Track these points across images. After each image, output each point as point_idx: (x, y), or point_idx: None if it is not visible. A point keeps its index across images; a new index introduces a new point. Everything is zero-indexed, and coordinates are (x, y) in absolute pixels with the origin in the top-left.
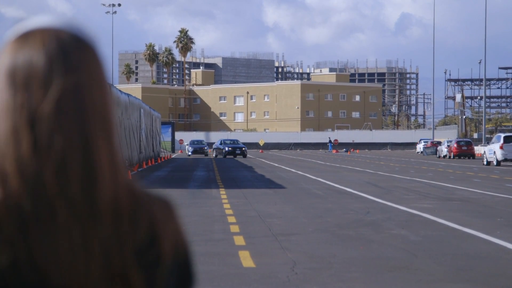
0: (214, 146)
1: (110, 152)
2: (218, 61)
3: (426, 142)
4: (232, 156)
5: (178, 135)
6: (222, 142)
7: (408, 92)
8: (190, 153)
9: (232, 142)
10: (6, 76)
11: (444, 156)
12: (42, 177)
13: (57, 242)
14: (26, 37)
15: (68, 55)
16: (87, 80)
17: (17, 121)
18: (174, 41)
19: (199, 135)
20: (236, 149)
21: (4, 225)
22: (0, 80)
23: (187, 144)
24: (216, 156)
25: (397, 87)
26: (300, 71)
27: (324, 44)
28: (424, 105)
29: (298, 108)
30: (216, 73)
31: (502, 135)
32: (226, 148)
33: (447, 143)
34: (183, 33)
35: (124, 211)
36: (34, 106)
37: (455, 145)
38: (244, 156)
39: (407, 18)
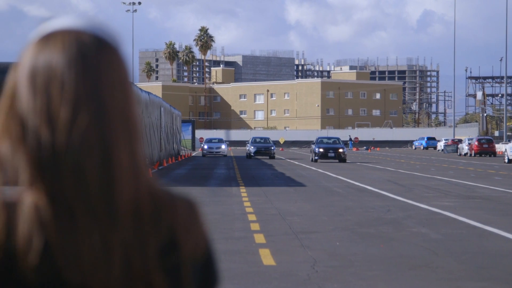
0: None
1: (131, 153)
2: (238, 59)
3: (447, 140)
4: (260, 157)
5: (199, 133)
6: (253, 139)
7: (428, 89)
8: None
9: (262, 140)
10: (27, 78)
11: (465, 154)
12: (61, 180)
13: (78, 244)
14: (47, 39)
15: (88, 58)
16: (107, 81)
17: (37, 123)
18: (194, 40)
19: (219, 133)
20: (261, 149)
21: (24, 228)
22: (22, 82)
23: (204, 143)
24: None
25: (417, 84)
26: (320, 69)
27: (345, 42)
28: (444, 103)
29: (318, 106)
30: (236, 71)
31: None
32: (251, 148)
33: (468, 141)
34: (203, 31)
35: (144, 212)
36: (53, 108)
37: (476, 143)
38: (270, 157)
39: (429, 15)
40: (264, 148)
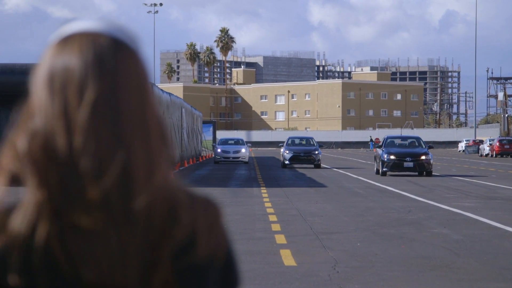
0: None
1: (149, 155)
2: (259, 60)
3: (468, 141)
4: (298, 165)
5: (220, 134)
6: (290, 140)
7: (449, 90)
8: (288, 160)
9: (302, 142)
10: (45, 81)
11: (486, 155)
12: (78, 181)
13: (94, 245)
14: (65, 42)
15: (105, 60)
16: (124, 84)
17: (54, 127)
18: (215, 41)
19: (240, 134)
20: (300, 154)
21: (41, 229)
22: (40, 84)
23: (217, 145)
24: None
25: (438, 85)
26: (341, 69)
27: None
28: (466, 103)
29: (339, 106)
30: (257, 72)
31: None
32: (286, 153)
33: (489, 141)
34: (224, 32)
35: (162, 213)
36: (70, 112)
37: (497, 144)
38: (315, 165)
39: (452, 16)
40: (305, 152)
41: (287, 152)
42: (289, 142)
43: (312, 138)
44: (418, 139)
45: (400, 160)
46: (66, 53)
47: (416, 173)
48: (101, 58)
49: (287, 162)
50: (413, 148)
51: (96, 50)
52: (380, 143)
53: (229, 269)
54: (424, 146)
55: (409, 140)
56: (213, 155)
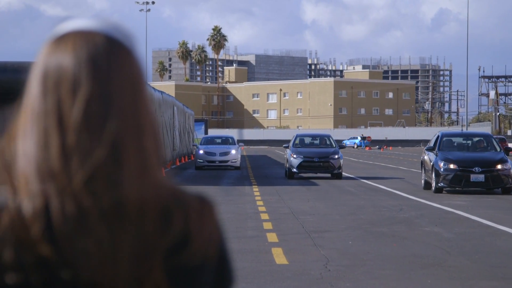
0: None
1: (142, 153)
2: (251, 59)
3: None
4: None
5: (212, 132)
6: (298, 139)
7: (441, 89)
8: (295, 168)
9: (315, 142)
10: (39, 80)
11: None
12: (70, 179)
13: (86, 241)
14: (59, 41)
15: (99, 59)
16: (118, 82)
17: (47, 125)
18: (207, 39)
19: (232, 133)
20: (313, 159)
21: (33, 225)
22: (34, 83)
23: (199, 146)
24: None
25: (430, 84)
26: (333, 68)
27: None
28: (457, 102)
29: (331, 105)
30: (249, 70)
31: None
32: (294, 159)
33: None
34: (216, 30)
35: (154, 210)
36: (63, 110)
37: None
38: (333, 175)
39: (444, 14)
40: (320, 157)
41: (295, 156)
42: (297, 141)
43: (329, 136)
44: (487, 137)
45: (464, 171)
46: (60, 51)
47: (484, 188)
48: (95, 57)
49: (294, 170)
50: (482, 152)
51: (90, 48)
52: (431, 145)
53: (223, 267)
54: (498, 148)
55: (476, 139)
56: (194, 158)
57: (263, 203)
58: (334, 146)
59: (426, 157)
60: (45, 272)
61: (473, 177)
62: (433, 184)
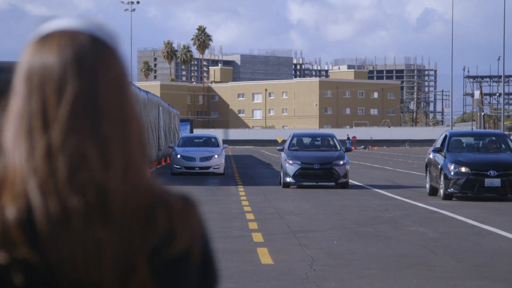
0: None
1: (127, 152)
2: (237, 59)
3: None
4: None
5: (197, 132)
6: (295, 139)
7: (426, 89)
8: (291, 179)
9: (316, 143)
10: (24, 80)
11: None
12: (55, 180)
13: (70, 241)
14: (44, 40)
15: (84, 58)
16: (103, 81)
17: (32, 125)
18: (192, 39)
19: (217, 132)
20: (313, 166)
21: (15, 227)
22: (19, 83)
23: (176, 147)
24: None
25: (415, 84)
26: (318, 68)
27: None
28: (442, 102)
29: (316, 105)
30: (235, 70)
31: None
32: (289, 165)
33: None
34: (201, 30)
35: (139, 210)
36: (48, 110)
37: None
38: (338, 184)
39: (429, 14)
40: (321, 163)
41: (291, 162)
42: (294, 143)
43: (332, 137)
44: (501, 136)
45: (477, 175)
46: (45, 51)
47: (498, 194)
48: (80, 56)
49: (290, 180)
50: (497, 154)
51: (75, 48)
52: (439, 146)
53: (207, 267)
54: (339, 152)
55: (488, 139)
56: (170, 162)
57: (249, 203)
58: (339, 148)
59: (432, 159)
60: (29, 273)
61: (487, 182)
62: (441, 190)
